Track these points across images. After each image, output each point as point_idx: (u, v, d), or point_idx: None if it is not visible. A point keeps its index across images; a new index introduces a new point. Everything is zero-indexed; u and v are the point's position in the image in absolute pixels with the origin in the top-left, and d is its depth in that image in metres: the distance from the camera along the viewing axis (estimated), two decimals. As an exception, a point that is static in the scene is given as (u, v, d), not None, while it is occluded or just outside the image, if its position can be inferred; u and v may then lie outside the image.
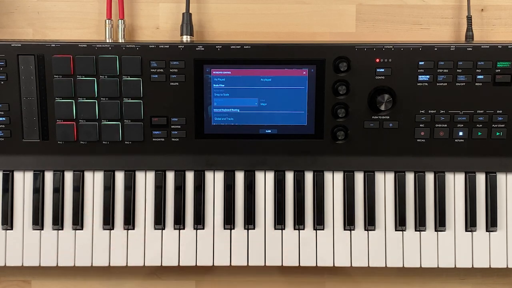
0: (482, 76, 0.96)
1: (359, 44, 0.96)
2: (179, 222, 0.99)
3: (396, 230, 1.00)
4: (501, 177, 1.00)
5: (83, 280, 1.05)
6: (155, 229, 1.00)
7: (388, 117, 0.98)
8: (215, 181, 1.01)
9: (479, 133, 0.98)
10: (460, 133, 0.98)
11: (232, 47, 0.96)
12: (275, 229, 1.00)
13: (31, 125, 0.97)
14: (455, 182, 1.00)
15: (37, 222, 0.99)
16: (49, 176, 1.00)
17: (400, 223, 1.00)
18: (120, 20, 1.02)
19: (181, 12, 1.02)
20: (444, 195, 1.00)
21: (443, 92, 0.97)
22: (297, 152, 0.99)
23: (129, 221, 0.99)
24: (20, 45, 0.96)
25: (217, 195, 1.01)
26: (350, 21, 1.05)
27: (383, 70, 0.96)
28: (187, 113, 0.98)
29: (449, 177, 1.00)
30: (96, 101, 0.97)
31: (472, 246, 1.00)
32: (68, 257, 0.99)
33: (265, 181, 1.01)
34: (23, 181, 1.00)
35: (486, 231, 1.00)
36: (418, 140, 0.98)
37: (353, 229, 1.00)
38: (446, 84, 0.96)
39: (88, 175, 1.00)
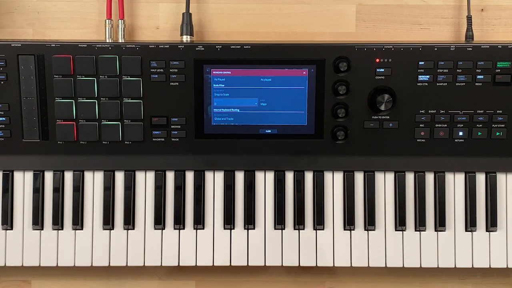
0: (482, 76, 0.96)
1: (359, 44, 0.96)
2: (179, 222, 1.00)
3: (396, 230, 1.00)
4: (501, 177, 1.00)
5: (83, 280, 1.05)
6: (155, 229, 1.00)
7: (388, 117, 0.98)
8: (215, 181, 1.01)
9: (479, 133, 0.98)
10: (460, 133, 0.98)
11: (232, 47, 0.96)
12: (275, 229, 1.00)
13: (31, 125, 0.97)
14: (455, 182, 1.01)
15: (37, 222, 0.99)
16: (49, 176, 1.00)
17: (400, 223, 1.00)
18: (120, 20, 1.02)
19: (181, 12, 1.02)
20: (444, 195, 1.00)
21: (443, 92, 0.97)
22: (297, 152, 0.99)
23: (129, 221, 0.99)
24: (20, 45, 0.96)
25: (217, 195, 1.01)
26: (350, 21, 1.05)
27: (383, 70, 0.96)
28: (187, 113, 0.98)
29: (449, 177, 1.00)
30: (96, 101, 0.97)
31: (472, 246, 1.00)
32: (68, 257, 0.99)
33: (265, 181, 1.01)
34: (23, 181, 1.00)
35: (486, 231, 1.00)
36: (418, 140, 0.98)
37: (353, 229, 1.00)
38: (446, 84, 0.96)
39: (88, 175, 1.00)
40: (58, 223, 0.99)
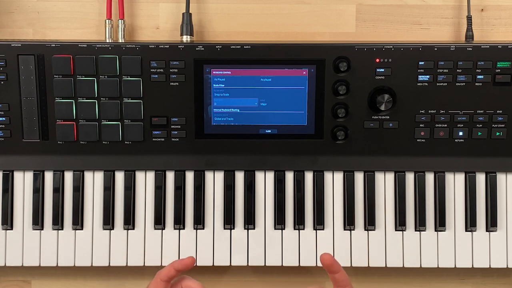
0: (482, 76, 0.96)
1: (359, 44, 0.96)
2: (179, 222, 1.00)
3: (396, 230, 1.00)
4: (501, 177, 1.00)
5: (83, 280, 1.05)
6: (155, 229, 1.00)
7: (388, 117, 0.98)
8: (215, 181, 1.01)
9: (479, 133, 0.98)
10: (460, 133, 0.98)
11: (232, 47, 0.96)
12: (275, 229, 1.00)
13: (31, 125, 0.97)
14: (455, 182, 1.00)
15: (37, 222, 0.99)
16: (49, 176, 1.00)
17: (400, 223, 1.00)
18: (120, 20, 1.02)
19: (181, 12, 1.02)
20: (444, 195, 1.00)
21: (443, 92, 0.97)
22: (297, 152, 0.99)
23: (129, 221, 0.99)
24: (20, 45, 0.96)
25: (217, 195, 1.01)
26: (350, 21, 1.05)
27: (383, 70, 0.96)
28: (187, 113, 0.98)
29: (449, 177, 1.00)
30: (96, 101, 0.97)
31: (472, 246, 1.00)
32: (68, 257, 0.99)
33: (265, 181, 1.01)
34: (23, 181, 1.00)
35: (486, 231, 1.00)
36: (418, 140, 0.98)
37: (353, 229, 1.00)
38: (446, 84, 0.96)
39: (88, 175, 1.00)
40: (58, 223, 0.99)
